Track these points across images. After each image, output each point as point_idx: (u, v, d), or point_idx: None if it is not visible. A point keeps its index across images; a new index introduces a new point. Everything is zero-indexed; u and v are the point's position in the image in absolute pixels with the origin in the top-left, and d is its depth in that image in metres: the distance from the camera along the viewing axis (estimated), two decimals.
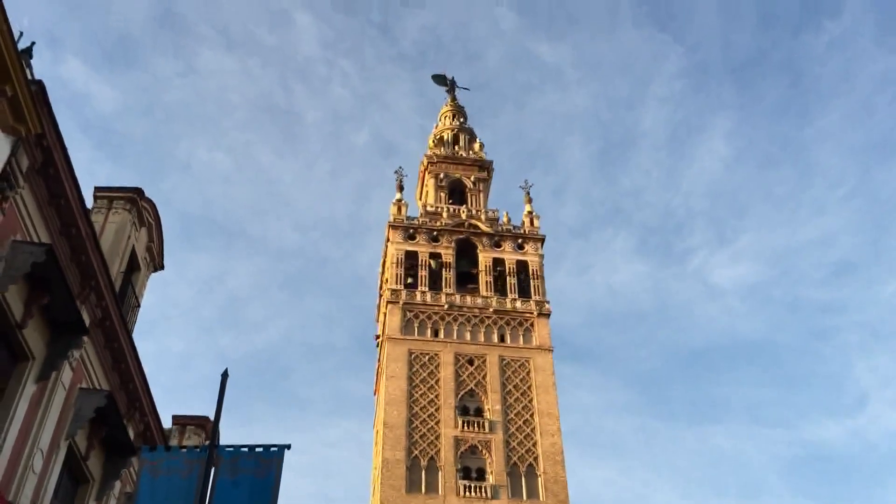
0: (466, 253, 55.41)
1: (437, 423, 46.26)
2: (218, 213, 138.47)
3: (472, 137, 66.09)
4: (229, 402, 12.02)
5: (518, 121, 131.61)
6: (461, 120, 67.81)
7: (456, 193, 60.86)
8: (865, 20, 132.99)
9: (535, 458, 45.50)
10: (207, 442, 14.33)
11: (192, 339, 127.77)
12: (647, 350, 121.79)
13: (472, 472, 44.89)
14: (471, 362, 49.41)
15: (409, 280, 53.19)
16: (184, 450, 12.52)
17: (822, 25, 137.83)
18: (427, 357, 49.25)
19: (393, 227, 55.72)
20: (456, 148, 64.56)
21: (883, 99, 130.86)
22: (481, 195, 60.82)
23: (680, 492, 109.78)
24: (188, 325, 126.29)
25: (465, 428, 46.22)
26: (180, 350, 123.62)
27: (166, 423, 19.65)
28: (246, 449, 11.70)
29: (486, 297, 52.53)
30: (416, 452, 44.99)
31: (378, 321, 56.23)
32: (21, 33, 12.02)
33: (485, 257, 54.71)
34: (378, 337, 55.00)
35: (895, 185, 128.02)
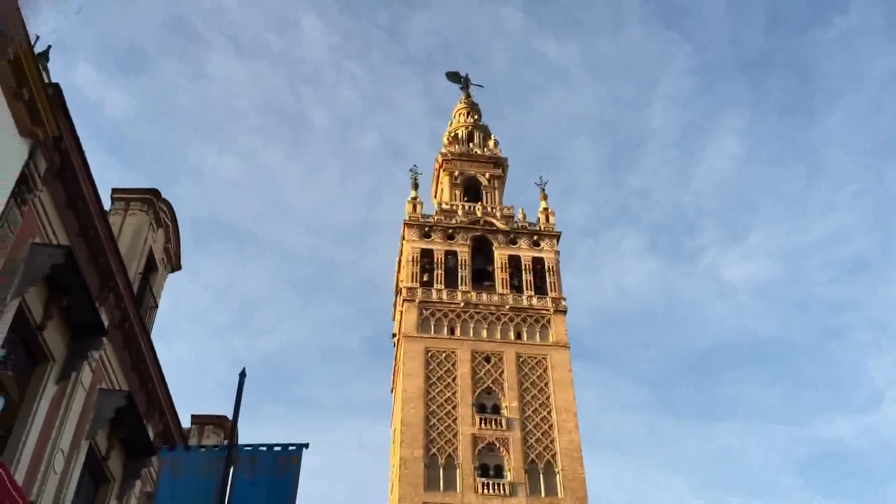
0: (482, 250, 55.33)
1: (454, 420, 46.26)
2: (228, 217, 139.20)
3: (486, 135, 65.94)
4: (244, 403, 12.03)
5: (526, 121, 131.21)
6: (476, 117, 67.66)
7: (471, 191, 60.77)
8: (874, 16, 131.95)
9: (553, 455, 45.42)
10: (226, 441, 14.39)
11: (206, 342, 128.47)
12: (658, 349, 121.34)
13: (490, 470, 44.86)
14: (487, 360, 49.37)
15: (425, 278, 53.18)
16: (203, 449, 12.56)
17: (830, 21, 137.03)
18: (444, 355, 49.26)
19: (408, 225, 55.72)
20: (471, 145, 64.47)
21: (893, 95, 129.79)
22: (496, 192, 60.70)
23: (693, 489, 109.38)
24: (201, 328, 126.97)
25: (483, 425, 46.20)
26: (194, 352, 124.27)
27: (185, 422, 19.74)
28: (264, 448, 11.71)
29: (503, 295, 52.45)
30: (434, 450, 45.01)
31: (394, 320, 56.29)
32: (38, 37, 12.10)
33: (500, 254, 54.61)
34: (395, 335, 55.05)
35: None
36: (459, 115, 68.03)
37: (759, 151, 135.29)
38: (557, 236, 55.99)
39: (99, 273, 14.48)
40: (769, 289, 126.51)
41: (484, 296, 52.36)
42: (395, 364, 53.18)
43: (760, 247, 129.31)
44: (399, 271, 56.24)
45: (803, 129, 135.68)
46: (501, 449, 45.37)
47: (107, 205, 16.53)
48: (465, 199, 59.66)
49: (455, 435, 45.64)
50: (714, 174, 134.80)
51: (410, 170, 60.18)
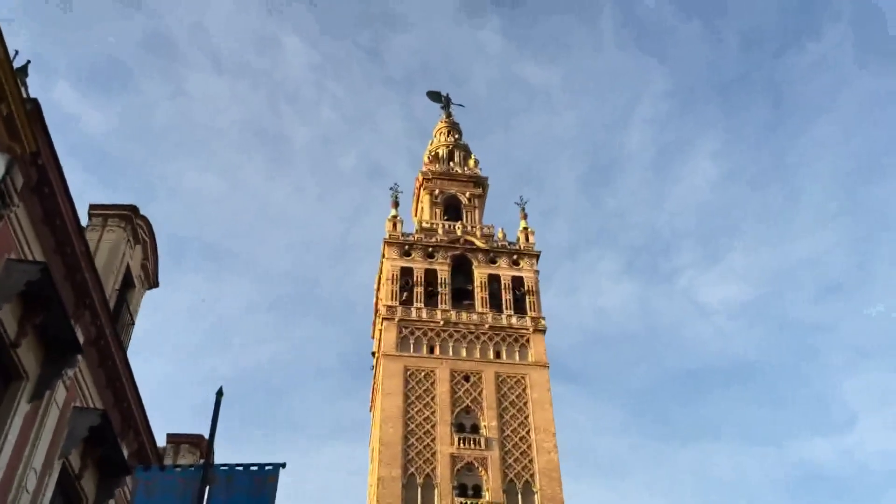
0: (462, 269, 55.40)
1: (433, 440, 46.08)
2: (207, 234, 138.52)
3: (467, 154, 66.24)
4: (220, 424, 12.00)
5: (504, 142, 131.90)
6: (456, 136, 67.97)
7: (451, 209, 60.94)
8: (845, 43, 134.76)
9: (532, 475, 45.31)
10: (202, 461, 14.25)
11: (182, 360, 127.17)
12: (638, 370, 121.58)
13: (468, 490, 44.68)
14: (467, 379, 49.29)
15: (405, 296, 53.12)
16: (178, 469, 12.43)
17: (804, 47, 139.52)
18: (423, 374, 49.12)
19: (388, 243, 55.73)
20: (451, 164, 64.71)
21: (866, 119, 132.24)
22: (476, 211, 60.91)
23: None
24: (178, 346, 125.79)
25: (462, 445, 46.05)
26: (171, 370, 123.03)
27: (160, 441, 19.51)
28: (241, 468, 11.61)
29: (482, 314, 52.48)
30: (413, 470, 44.78)
31: (374, 338, 56.11)
32: (16, 52, 12.02)
33: (480, 273, 54.69)
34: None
35: (881, 203, 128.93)
36: (440, 133, 68.31)
37: (735, 173, 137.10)
38: (537, 255, 56.20)
39: (75, 289, 14.34)
40: (746, 310, 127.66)
41: (463, 315, 52.36)
42: (374, 383, 52.94)
43: (737, 268, 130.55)
44: (379, 289, 56.15)
45: (779, 151, 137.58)
46: (480, 469, 45.22)
47: (84, 221, 16.40)
48: (446, 217, 59.79)
49: (433, 454, 45.44)
50: (691, 196, 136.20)
51: (391, 188, 60.50)
